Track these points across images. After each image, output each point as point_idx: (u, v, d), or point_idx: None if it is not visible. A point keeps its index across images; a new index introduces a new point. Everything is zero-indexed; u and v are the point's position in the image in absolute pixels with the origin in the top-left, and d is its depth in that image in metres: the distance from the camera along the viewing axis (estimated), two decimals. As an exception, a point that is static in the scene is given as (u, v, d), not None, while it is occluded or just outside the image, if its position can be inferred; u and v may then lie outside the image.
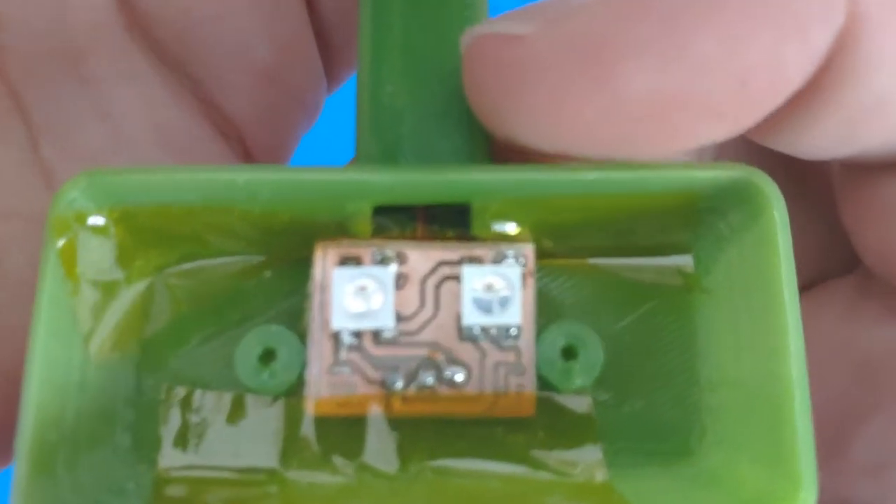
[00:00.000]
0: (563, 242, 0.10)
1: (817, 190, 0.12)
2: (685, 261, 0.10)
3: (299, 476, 0.09)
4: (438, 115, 0.10)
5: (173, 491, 0.09)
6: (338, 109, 0.15)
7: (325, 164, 0.09)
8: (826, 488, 0.11)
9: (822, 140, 0.10)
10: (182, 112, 0.12)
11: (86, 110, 0.12)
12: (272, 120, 0.13)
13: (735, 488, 0.09)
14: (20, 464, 0.08)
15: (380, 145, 0.10)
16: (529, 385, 0.09)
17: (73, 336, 0.09)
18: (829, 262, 0.12)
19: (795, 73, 0.09)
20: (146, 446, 0.09)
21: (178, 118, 0.12)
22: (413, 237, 0.10)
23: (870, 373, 0.11)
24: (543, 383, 0.09)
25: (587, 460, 0.09)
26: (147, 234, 0.09)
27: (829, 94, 0.09)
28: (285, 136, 0.13)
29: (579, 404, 0.09)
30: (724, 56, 0.08)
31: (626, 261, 0.10)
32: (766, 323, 0.09)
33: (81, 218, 0.09)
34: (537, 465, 0.09)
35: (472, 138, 0.10)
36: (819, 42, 0.09)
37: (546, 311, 0.10)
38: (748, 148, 0.11)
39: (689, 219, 0.10)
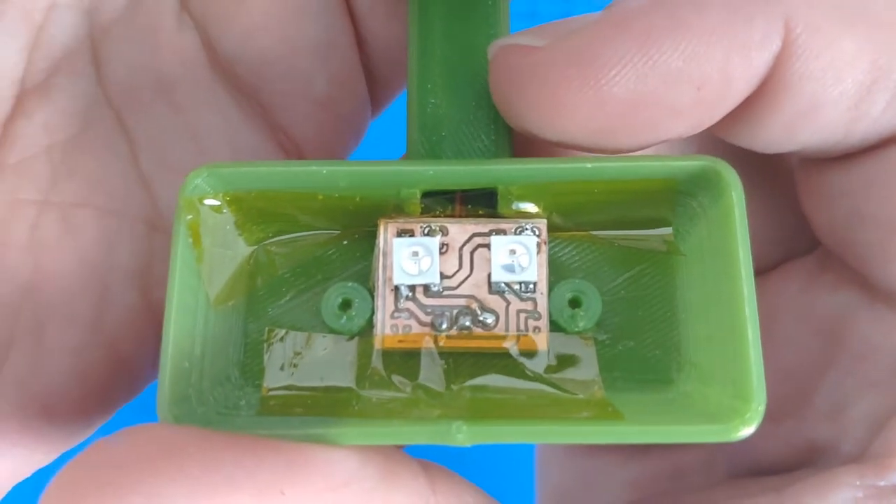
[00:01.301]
0: (570, 219, 0.13)
1: (785, 184, 0.15)
2: (667, 232, 0.13)
3: (370, 393, 0.12)
4: (470, 122, 0.13)
5: (275, 404, 0.12)
6: (377, 133, 0.17)
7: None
8: (794, 431, 0.13)
9: (769, 137, 0.12)
10: (253, 134, 0.14)
11: (177, 132, 0.14)
12: (327, 140, 0.15)
13: (704, 405, 0.11)
14: (163, 384, 0.11)
15: (426, 145, 0.13)
16: (544, 327, 0.12)
17: (198, 291, 0.12)
18: (796, 244, 0.15)
19: (741, 85, 0.11)
20: (252, 374, 0.12)
21: (250, 139, 0.14)
22: (452, 215, 0.12)
23: (827, 332, 0.13)
24: (554, 326, 0.12)
25: (588, 384, 0.12)
26: (252, 213, 0.12)
27: (771, 100, 0.11)
28: (337, 153, 0.15)
29: (582, 342, 0.12)
30: (684, 68, 0.11)
31: (620, 232, 0.13)
32: (727, 279, 0.11)
33: (202, 199, 0.12)
34: (551, 385, 0.12)
35: (497, 139, 0.13)
36: (760, 62, 0.11)
37: (557, 271, 0.12)
38: (725, 148, 0.13)
39: (670, 199, 0.12)
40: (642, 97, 0.11)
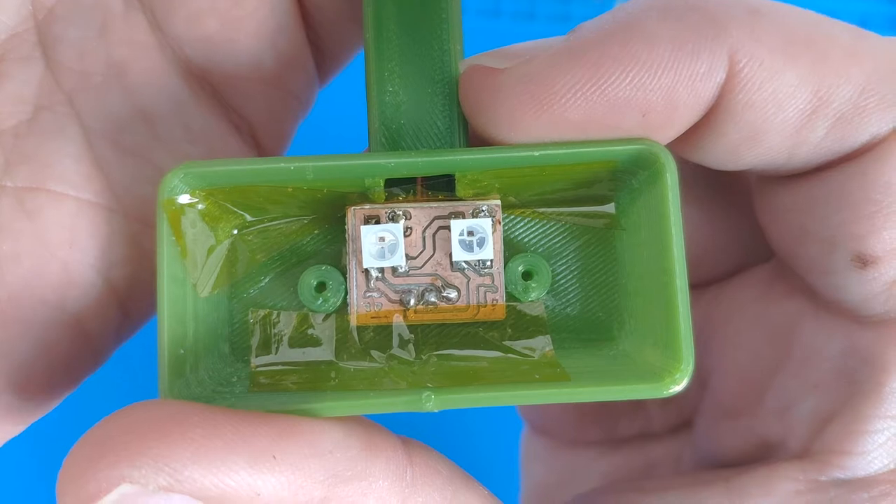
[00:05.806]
0: (522, 198, 0.14)
1: (742, 195, 0.16)
2: (609, 208, 0.14)
3: (349, 364, 0.13)
4: (427, 108, 0.13)
5: (263, 380, 0.13)
6: (324, 105, 0.17)
7: (318, 146, 0.13)
8: (748, 428, 0.15)
9: (716, 157, 0.13)
10: (204, 114, 0.14)
11: (130, 115, 0.14)
12: (277, 116, 0.15)
13: (640, 363, 0.13)
14: (162, 371, 0.12)
15: (386, 134, 0.13)
16: (500, 299, 0.13)
17: (185, 283, 0.13)
18: (753, 253, 0.16)
19: (685, 112, 0.12)
20: (241, 352, 0.13)
21: (201, 119, 0.14)
22: (415, 200, 0.13)
23: (777, 338, 0.15)
24: (510, 297, 0.13)
25: (541, 346, 0.13)
26: (227, 205, 0.13)
27: (716, 126, 0.13)
28: (287, 127, 0.15)
29: (535, 309, 0.14)
30: (631, 96, 0.12)
31: (567, 209, 0.14)
32: (660, 250, 0.13)
33: (180, 197, 0.13)
34: (508, 350, 0.13)
35: (452, 123, 0.14)
36: (704, 91, 0.12)
37: (511, 247, 0.14)
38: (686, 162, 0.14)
39: (612, 179, 0.13)
40: (592, 120, 0.12)
